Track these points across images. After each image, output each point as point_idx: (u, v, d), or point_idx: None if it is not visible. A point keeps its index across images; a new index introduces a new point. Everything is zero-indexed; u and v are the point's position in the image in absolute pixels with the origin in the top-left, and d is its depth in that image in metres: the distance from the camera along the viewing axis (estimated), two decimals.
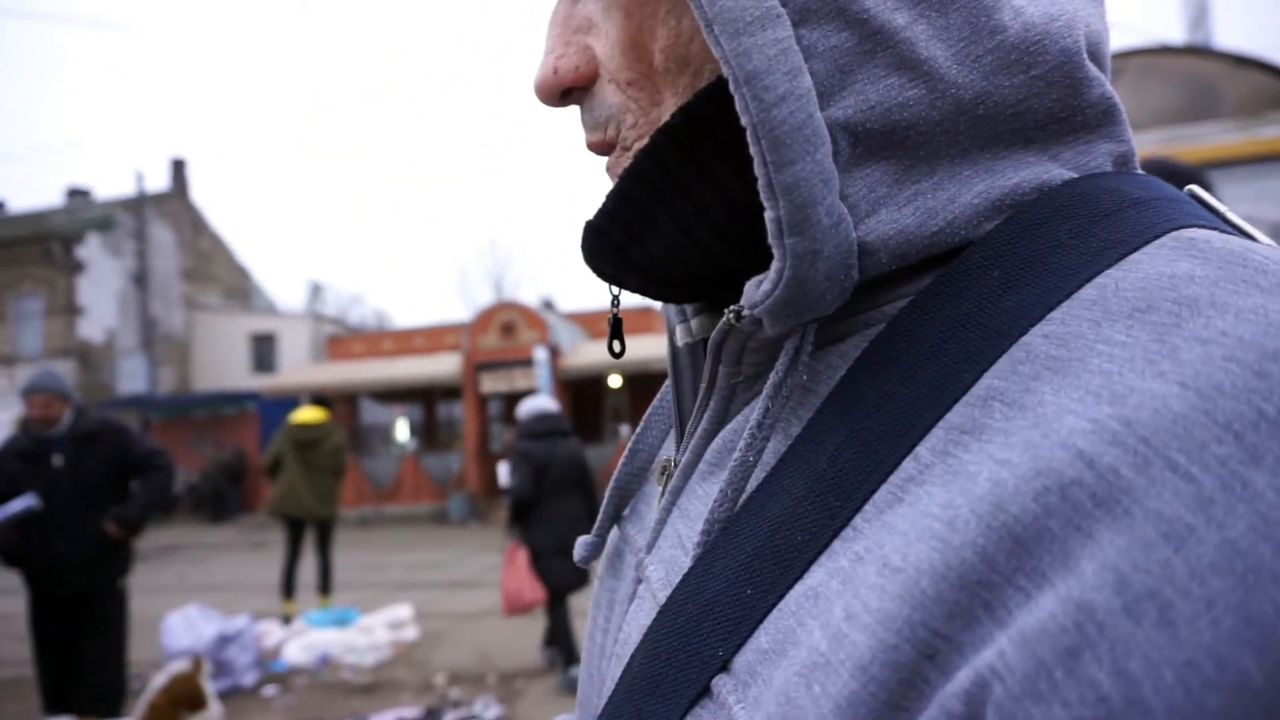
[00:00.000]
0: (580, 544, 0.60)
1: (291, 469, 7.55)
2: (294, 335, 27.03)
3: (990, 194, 0.41)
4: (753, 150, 0.37)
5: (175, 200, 28.31)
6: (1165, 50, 4.14)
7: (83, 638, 4.58)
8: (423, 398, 22.34)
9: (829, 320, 0.43)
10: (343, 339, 23.27)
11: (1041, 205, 0.41)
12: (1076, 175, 0.43)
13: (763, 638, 0.37)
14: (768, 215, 0.38)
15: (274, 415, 20.19)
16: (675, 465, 0.53)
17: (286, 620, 7.37)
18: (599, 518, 0.60)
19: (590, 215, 0.49)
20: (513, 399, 20.17)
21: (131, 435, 4.82)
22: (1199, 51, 4.23)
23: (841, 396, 0.41)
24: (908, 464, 0.36)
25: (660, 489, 0.54)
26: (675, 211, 0.45)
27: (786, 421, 0.44)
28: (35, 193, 77.94)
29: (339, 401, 20.29)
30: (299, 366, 24.22)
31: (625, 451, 0.61)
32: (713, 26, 0.37)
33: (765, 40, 0.37)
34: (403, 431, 23.46)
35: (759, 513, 0.41)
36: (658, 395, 0.65)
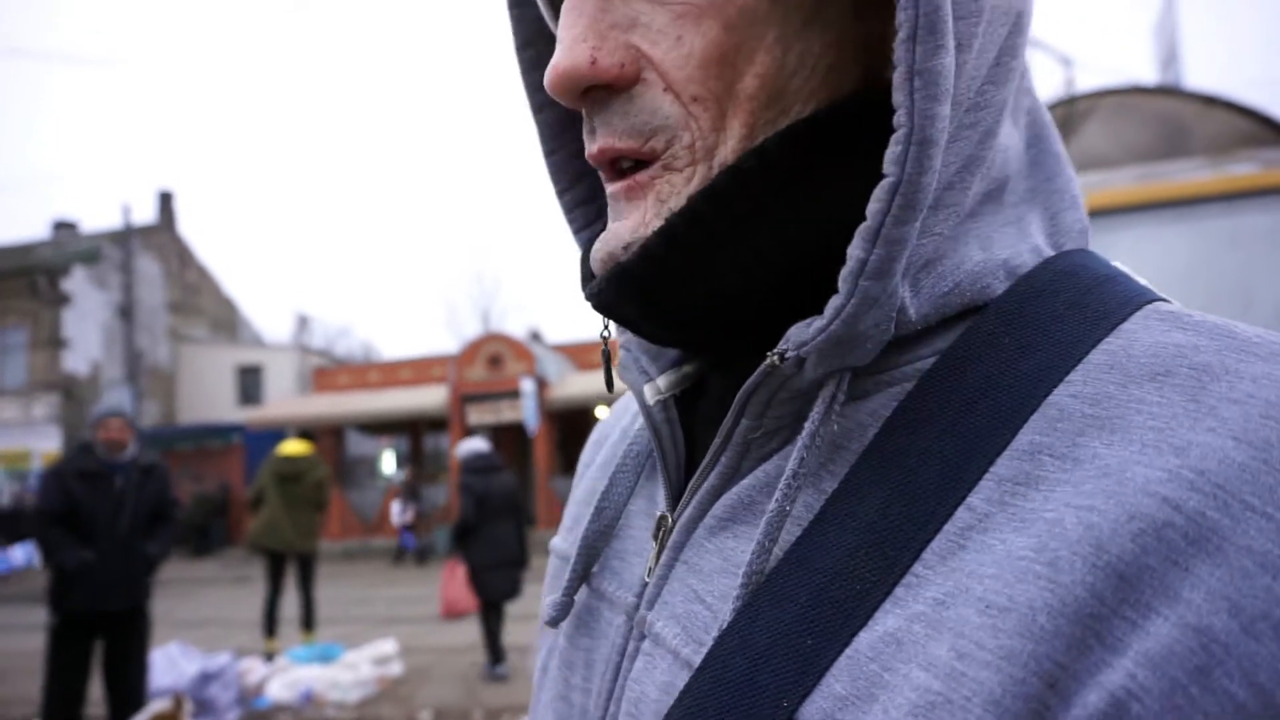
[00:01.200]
0: (549, 604, 0.58)
1: (273, 502, 7.50)
2: (280, 367, 26.92)
3: (988, 264, 0.45)
4: (878, 203, 0.39)
5: (162, 233, 28.29)
6: (1137, 90, 4.24)
7: (115, 661, 4.87)
8: (409, 430, 22.24)
9: (853, 376, 0.45)
10: (329, 371, 23.18)
11: (1035, 278, 0.46)
12: (1053, 251, 0.48)
13: (837, 685, 0.38)
14: (855, 254, 0.40)
15: (260, 447, 20.04)
16: (672, 521, 0.52)
17: (269, 657, 7.29)
18: (568, 576, 0.58)
19: (612, 254, 0.47)
20: (500, 431, 20.09)
21: (169, 481, 5.22)
22: (1170, 92, 4.34)
23: (880, 451, 0.43)
24: (961, 514, 0.39)
25: (655, 544, 0.53)
26: (731, 257, 0.45)
27: (816, 476, 0.45)
28: (23, 226, 77.71)
29: (325, 433, 20.18)
30: (285, 398, 24.10)
31: (592, 509, 0.59)
32: (913, 80, 0.38)
33: (945, 113, 0.39)
34: (389, 463, 23.32)
35: (805, 564, 0.42)
36: (619, 452, 0.64)
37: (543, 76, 0.57)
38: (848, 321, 0.41)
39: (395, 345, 64.19)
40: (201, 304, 29.97)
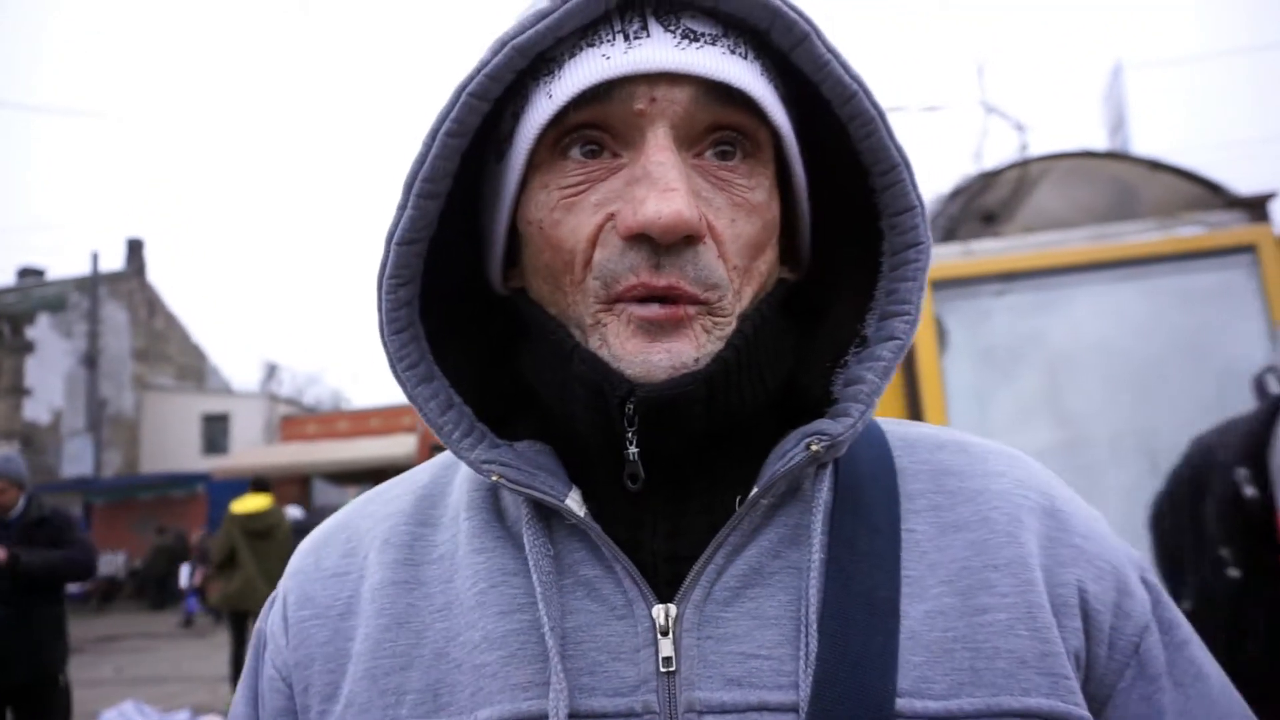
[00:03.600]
0: None
1: (248, 563, 7.29)
2: (247, 416, 26.56)
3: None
4: (891, 353, 0.64)
5: (130, 280, 28.03)
6: (1088, 154, 4.40)
7: None
8: (377, 479, 21.86)
9: None
10: (297, 419, 22.94)
11: None
12: None
13: (914, 657, 0.58)
14: (873, 380, 0.64)
15: (224, 497, 19.61)
16: (671, 611, 0.59)
17: None
18: (556, 719, 0.56)
19: (685, 363, 0.58)
20: None
21: (75, 526, 4.78)
22: (1119, 156, 4.52)
23: (844, 507, 0.63)
24: (906, 535, 0.63)
25: (663, 636, 0.58)
26: (757, 373, 0.62)
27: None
28: None
29: (292, 483, 19.89)
30: (251, 447, 23.76)
31: (552, 645, 0.57)
32: (914, 311, 0.64)
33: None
34: None
35: (846, 590, 0.59)
36: (468, 584, 0.64)
37: (448, 165, 0.61)
38: (865, 422, 0.63)
39: (365, 394, 63.68)
40: (168, 351, 29.61)
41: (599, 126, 0.60)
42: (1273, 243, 3.53)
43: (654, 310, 0.58)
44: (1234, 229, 3.69)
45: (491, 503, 0.68)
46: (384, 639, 0.64)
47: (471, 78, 0.59)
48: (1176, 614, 0.67)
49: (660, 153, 0.58)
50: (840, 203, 0.68)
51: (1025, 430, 3.53)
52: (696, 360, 0.58)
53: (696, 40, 0.59)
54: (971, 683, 0.57)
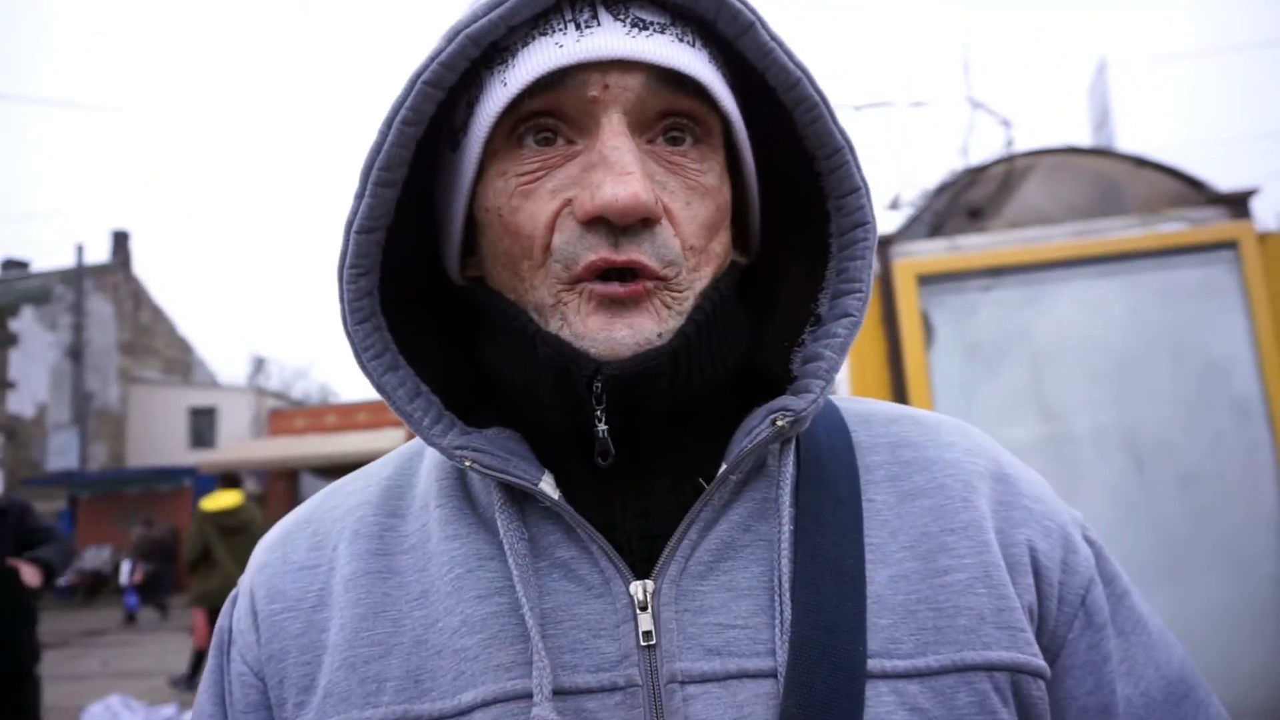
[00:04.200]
0: None
1: (225, 561, 7.22)
2: (235, 409, 26.45)
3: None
4: (846, 330, 0.66)
5: (116, 272, 27.83)
6: (1073, 150, 4.42)
7: None
8: None
9: None
10: (285, 413, 22.83)
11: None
12: None
13: (881, 620, 0.61)
14: (832, 357, 0.66)
15: (211, 491, 19.51)
16: (649, 586, 0.60)
17: None
18: (549, 699, 0.56)
19: (649, 340, 0.59)
20: None
21: (33, 511, 4.69)
22: (1103, 152, 4.53)
23: (808, 481, 0.66)
24: (868, 505, 0.67)
25: (642, 611, 0.60)
26: (717, 346, 0.64)
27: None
28: None
29: (279, 477, 19.80)
30: (238, 441, 23.66)
31: (534, 629, 0.58)
32: (864, 288, 0.66)
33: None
34: None
35: (815, 560, 0.62)
36: (440, 568, 0.65)
37: (404, 154, 0.62)
38: (824, 398, 0.65)
39: (354, 388, 63.39)
40: (155, 345, 29.43)
41: (553, 114, 0.61)
42: (1254, 239, 3.56)
43: (614, 288, 0.59)
44: (1216, 225, 3.72)
45: (461, 490, 0.68)
46: (361, 628, 0.64)
47: (426, 66, 0.60)
48: (1116, 568, 0.72)
49: (615, 138, 0.59)
50: (785, 189, 0.71)
51: (1010, 424, 3.55)
52: (660, 335, 0.60)
53: (646, 28, 0.61)
54: (936, 641, 0.61)
